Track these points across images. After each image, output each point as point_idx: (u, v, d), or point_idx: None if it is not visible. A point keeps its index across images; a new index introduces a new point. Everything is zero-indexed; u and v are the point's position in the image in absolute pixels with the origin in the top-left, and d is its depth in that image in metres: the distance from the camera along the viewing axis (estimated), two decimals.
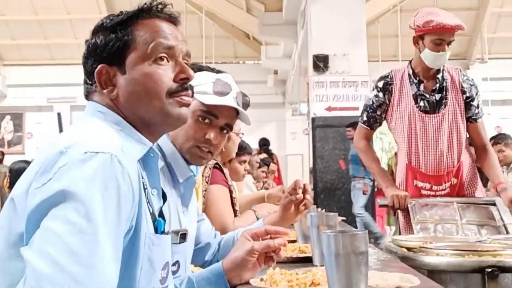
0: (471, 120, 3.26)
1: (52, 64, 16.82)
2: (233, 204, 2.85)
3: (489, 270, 1.87)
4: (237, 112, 1.89)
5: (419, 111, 3.20)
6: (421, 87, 3.22)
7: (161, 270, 1.26)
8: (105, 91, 1.30)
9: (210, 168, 2.73)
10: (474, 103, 3.25)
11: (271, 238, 1.70)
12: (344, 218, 3.73)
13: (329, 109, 8.50)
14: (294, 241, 2.39)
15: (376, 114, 3.35)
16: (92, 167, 1.08)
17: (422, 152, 3.21)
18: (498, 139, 6.27)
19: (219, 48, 15.04)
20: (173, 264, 1.75)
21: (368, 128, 3.42)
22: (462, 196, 3.22)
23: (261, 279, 1.55)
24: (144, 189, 1.23)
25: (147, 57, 1.30)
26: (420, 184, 3.24)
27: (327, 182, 8.60)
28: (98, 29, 1.33)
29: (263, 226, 1.84)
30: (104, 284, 1.03)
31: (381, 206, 3.33)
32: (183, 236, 1.74)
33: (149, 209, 1.23)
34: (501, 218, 2.95)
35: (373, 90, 3.38)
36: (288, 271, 1.57)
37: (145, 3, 1.35)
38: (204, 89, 1.83)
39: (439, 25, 3.08)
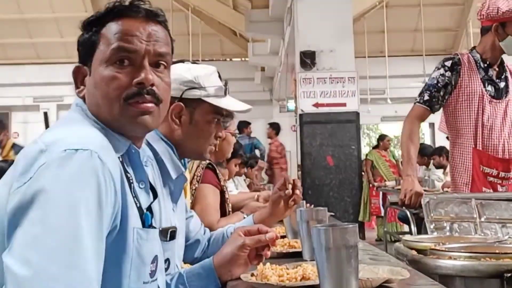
0: None
1: (38, 63, 16.72)
2: (224, 205, 2.85)
3: (509, 275, 1.66)
4: None
5: (487, 95, 3.16)
6: (490, 72, 3.20)
7: (151, 264, 1.26)
8: (76, 90, 1.30)
9: (202, 168, 2.74)
10: None
11: None
12: (332, 213, 3.74)
13: (317, 105, 8.50)
14: (283, 237, 2.39)
15: (439, 95, 3.21)
16: (71, 165, 1.08)
17: (490, 135, 3.14)
18: None
19: (206, 46, 15.01)
20: (164, 262, 1.75)
21: (428, 108, 3.24)
22: None
23: (252, 274, 1.55)
24: (130, 183, 1.22)
25: (106, 59, 1.27)
26: (487, 170, 3.15)
27: (315, 178, 8.61)
28: (81, 28, 1.33)
29: (256, 225, 1.85)
30: (85, 282, 1.03)
31: (392, 204, 3.29)
32: (172, 234, 1.74)
33: (135, 203, 1.23)
34: None
35: (439, 69, 3.25)
36: (279, 266, 1.57)
37: (117, 2, 1.32)
38: (212, 92, 1.88)
39: None
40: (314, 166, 8.62)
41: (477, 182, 3.15)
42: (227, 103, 1.89)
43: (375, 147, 10.69)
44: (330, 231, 1.24)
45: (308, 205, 2.80)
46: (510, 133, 3.17)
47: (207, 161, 2.78)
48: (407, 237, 2.34)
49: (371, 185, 9.96)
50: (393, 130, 15.41)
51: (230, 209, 2.92)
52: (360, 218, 9.22)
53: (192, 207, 2.67)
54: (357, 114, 8.59)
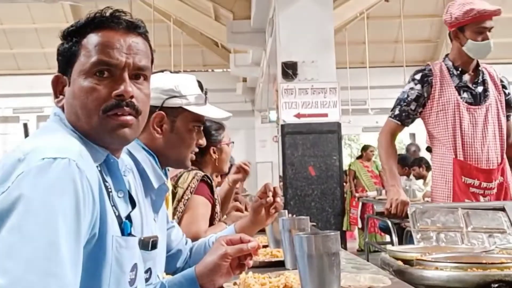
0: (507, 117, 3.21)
1: (18, 74, 16.63)
2: (214, 218, 2.85)
3: (496, 285, 1.62)
4: None
5: (463, 103, 3.08)
6: (464, 78, 3.13)
7: (130, 272, 1.25)
8: (55, 100, 1.29)
9: (197, 180, 2.74)
10: None
11: None
12: (314, 223, 3.74)
13: (298, 116, 8.53)
14: (266, 246, 2.39)
15: (409, 108, 3.19)
16: (50, 173, 1.08)
17: (468, 145, 3.06)
18: None
19: (188, 57, 15.04)
20: (145, 272, 1.74)
21: (399, 123, 3.24)
22: (509, 199, 3.05)
23: (234, 283, 1.55)
24: (108, 192, 1.22)
25: (86, 71, 1.27)
26: (469, 180, 3.07)
27: (297, 189, 8.63)
28: (60, 37, 1.32)
29: (238, 234, 1.85)
30: None
31: (377, 214, 3.25)
32: (154, 243, 1.74)
33: (114, 212, 1.23)
34: None
35: (409, 83, 3.24)
36: (261, 275, 1.57)
37: (98, 13, 1.32)
38: (193, 100, 1.89)
39: (479, 13, 2.98)
40: (296, 177, 8.64)
41: (459, 194, 3.08)
42: (208, 110, 1.90)
43: (358, 157, 10.74)
44: (313, 238, 1.25)
45: (290, 215, 2.81)
46: (495, 140, 3.08)
47: (203, 173, 2.79)
48: (392, 247, 2.28)
49: (352, 195, 10.00)
50: (375, 140, 15.50)
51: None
52: (344, 228, 9.27)
53: (182, 216, 2.68)
54: (338, 124, 8.63)
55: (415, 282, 1.73)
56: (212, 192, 2.83)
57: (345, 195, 9.51)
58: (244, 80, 16.13)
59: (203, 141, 1.95)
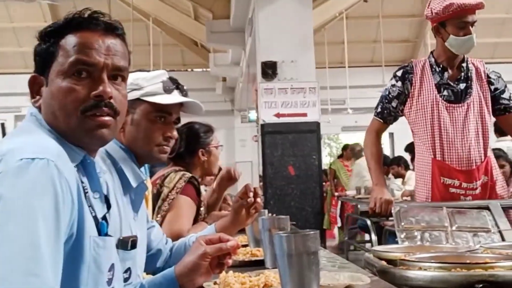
0: (504, 111, 3.09)
1: None
2: (197, 220, 2.85)
3: (480, 286, 1.59)
4: (181, 104, 1.96)
5: (442, 101, 3.00)
6: (445, 76, 3.03)
7: (108, 272, 1.26)
8: (32, 100, 1.30)
9: (184, 181, 2.74)
10: (505, 95, 3.09)
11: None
12: (294, 222, 3.75)
13: (278, 115, 8.55)
14: (245, 245, 2.40)
15: (391, 106, 3.13)
16: (28, 174, 1.08)
17: (448, 144, 2.98)
18: None
19: (167, 56, 14.99)
20: (125, 271, 1.74)
21: (381, 121, 3.19)
22: (496, 199, 2.97)
23: (215, 283, 1.55)
24: (85, 193, 1.22)
25: (64, 71, 1.27)
26: (448, 181, 2.99)
27: (277, 188, 8.64)
28: (38, 38, 1.32)
29: (217, 233, 1.85)
30: None
31: (362, 213, 3.18)
32: (133, 243, 1.73)
33: (91, 212, 1.23)
34: (496, 224, 2.67)
35: (391, 80, 3.16)
36: (241, 274, 1.58)
37: (76, 14, 1.32)
38: (151, 90, 1.89)
39: (460, 7, 2.89)
40: (276, 176, 8.65)
41: (438, 195, 3.01)
42: (164, 98, 1.88)
43: (339, 157, 10.79)
44: (292, 237, 1.26)
45: (270, 214, 2.82)
46: (477, 139, 3.00)
47: (190, 175, 2.79)
48: (376, 247, 2.24)
49: (332, 194, 10.05)
50: (354, 140, 15.56)
51: None
52: (325, 226, 9.31)
53: (165, 215, 2.68)
54: (318, 124, 8.66)
55: (398, 283, 1.71)
56: (198, 194, 2.83)
57: (325, 195, 9.55)
58: (224, 79, 16.11)
59: (172, 134, 1.91)
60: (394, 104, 3.11)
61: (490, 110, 3.05)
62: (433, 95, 3.01)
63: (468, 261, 1.74)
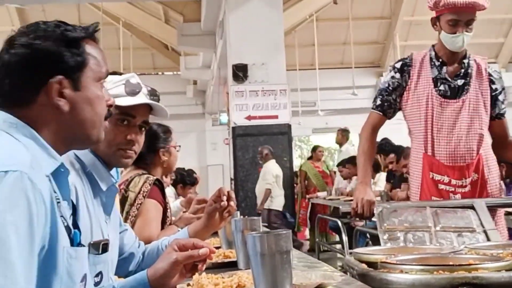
0: (497, 116, 3.01)
1: None
2: (165, 222, 2.85)
3: None
4: (150, 108, 1.94)
5: (437, 95, 2.91)
6: (443, 70, 2.95)
7: (80, 283, 1.25)
8: (61, 103, 1.26)
9: (150, 184, 2.73)
10: (501, 97, 3.00)
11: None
12: (265, 224, 3.77)
13: (249, 118, 8.57)
14: (218, 247, 2.40)
15: (391, 98, 3.03)
16: (1, 188, 1.07)
17: (438, 139, 2.91)
18: None
19: (137, 60, 14.91)
20: (96, 275, 1.74)
21: (381, 113, 3.05)
22: (486, 197, 2.89)
23: (188, 285, 1.56)
24: (57, 202, 1.21)
25: (97, 79, 1.33)
26: (438, 177, 2.92)
27: (248, 191, 8.67)
28: (45, 36, 1.27)
29: (191, 239, 1.86)
30: None
31: (344, 214, 2.97)
32: (104, 247, 1.73)
33: (63, 222, 1.21)
34: (481, 224, 2.59)
35: (390, 71, 3.08)
36: (214, 275, 1.59)
37: (91, 26, 1.36)
38: (115, 92, 1.86)
39: (448, 5, 2.83)
40: (247, 178, 8.67)
41: (426, 191, 2.94)
42: (125, 100, 1.86)
43: (309, 158, 10.83)
44: (265, 237, 1.27)
45: (242, 216, 2.82)
46: (469, 136, 2.91)
47: (155, 177, 2.78)
48: (357, 249, 2.13)
49: (302, 196, 10.08)
50: (325, 141, 15.65)
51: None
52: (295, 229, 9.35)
53: (135, 221, 2.68)
54: (288, 126, 8.70)
55: (378, 286, 1.64)
56: (163, 196, 2.83)
57: (296, 196, 9.59)
58: (195, 82, 16.11)
59: (134, 137, 1.88)
60: (394, 96, 3.03)
61: (488, 108, 2.97)
62: (429, 89, 2.94)
63: (451, 263, 1.66)
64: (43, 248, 1.13)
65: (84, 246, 1.27)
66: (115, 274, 1.99)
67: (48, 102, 1.26)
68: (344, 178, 8.84)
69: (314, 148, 10.66)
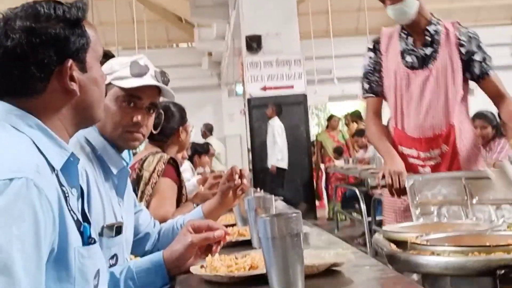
0: (480, 77, 2.78)
1: None
2: (181, 199, 2.87)
3: (502, 271, 1.36)
4: (159, 90, 1.93)
5: (404, 67, 2.81)
6: (409, 41, 2.83)
7: (93, 279, 1.23)
8: (74, 87, 1.24)
9: (164, 163, 2.75)
10: (477, 57, 2.78)
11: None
12: (281, 197, 3.78)
13: (264, 88, 8.55)
14: (233, 225, 2.41)
15: (376, 78, 2.92)
16: (6, 197, 1.03)
17: (408, 112, 2.80)
18: None
19: (151, 33, 14.84)
20: (111, 258, 1.76)
21: (374, 95, 2.94)
22: (457, 170, 2.72)
23: (201, 266, 1.56)
24: (66, 197, 1.18)
25: (98, 59, 1.33)
26: (406, 150, 2.82)
27: (265, 162, 8.67)
28: (47, 20, 1.22)
29: (206, 220, 1.87)
30: None
31: (372, 188, 2.58)
32: (118, 229, 1.74)
33: (73, 217, 1.19)
34: None
35: (366, 54, 2.99)
36: (228, 256, 1.59)
37: (79, 3, 1.29)
38: (121, 74, 1.86)
39: None
40: (264, 149, 8.68)
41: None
42: (131, 82, 1.85)
43: (326, 128, 10.81)
44: (275, 220, 1.26)
45: (257, 189, 2.84)
46: (437, 106, 2.78)
47: (169, 156, 2.80)
48: (387, 227, 1.99)
49: (319, 167, 10.10)
50: (341, 109, 15.56)
51: None
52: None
53: (150, 200, 2.70)
54: (304, 96, 8.67)
55: (408, 269, 1.55)
56: (178, 174, 2.84)
57: (314, 166, 9.60)
58: (210, 54, 16.02)
59: (140, 119, 1.86)
60: (377, 75, 2.93)
61: (459, 75, 2.80)
62: (396, 62, 2.84)
63: (487, 243, 1.47)
64: (53, 251, 1.11)
65: (95, 241, 1.24)
66: (132, 254, 2.01)
67: (59, 88, 1.23)
68: (360, 147, 8.82)
69: (329, 118, 10.63)
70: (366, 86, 2.96)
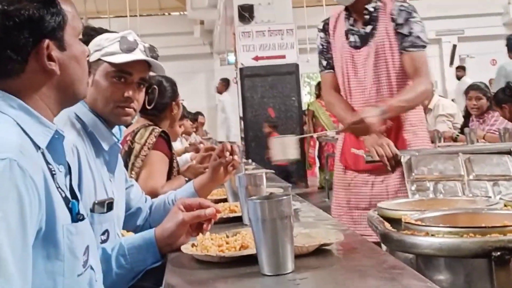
0: (401, 50, 2.73)
1: None
2: (172, 172, 2.87)
3: (498, 253, 1.33)
4: (149, 65, 1.93)
5: (348, 46, 2.80)
6: (351, 20, 2.82)
7: (83, 256, 1.24)
8: (53, 66, 1.22)
9: (155, 136, 2.75)
10: (404, 30, 2.72)
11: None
12: (273, 171, 3.79)
13: (256, 58, 8.53)
14: (225, 199, 2.42)
15: (329, 55, 2.91)
16: None
17: (355, 91, 2.78)
18: None
19: (143, 1, 14.67)
20: (103, 233, 1.77)
21: (332, 71, 2.91)
22: (401, 144, 2.67)
23: (192, 245, 1.58)
24: (53, 175, 1.18)
25: (76, 35, 1.30)
26: None
27: (257, 130, 8.69)
28: (20, 0, 1.19)
29: (197, 198, 1.88)
30: None
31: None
32: (109, 205, 1.75)
33: (60, 194, 1.19)
34: None
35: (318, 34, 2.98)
36: (218, 235, 1.61)
37: None
38: (110, 50, 1.87)
39: None
40: (256, 119, 8.69)
41: (348, 143, 2.83)
42: (120, 57, 1.86)
43: (317, 97, 10.76)
44: (266, 203, 1.28)
45: (249, 161, 2.85)
46: (378, 83, 2.75)
47: (161, 129, 2.79)
48: (382, 203, 1.89)
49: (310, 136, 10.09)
50: None
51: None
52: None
53: (140, 172, 2.71)
54: (296, 65, 8.65)
55: (405, 250, 1.51)
56: (170, 148, 2.85)
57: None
58: (202, 22, 15.88)
59: (131, 94, 1.88)
60: (330, 54, 2.92)
61: (397, 49, 2.75)
62: (341, 42, 2.84)
63: (483, 224, 1.44)
64: (40, 230, 1.12)
65: (84, 217, 1.25)
66: (124, 229, 2.03)
67: (38, 68, 1.21)
68: None
69: (318, 84, 10.58)
70: (324, 62, 2.95)
